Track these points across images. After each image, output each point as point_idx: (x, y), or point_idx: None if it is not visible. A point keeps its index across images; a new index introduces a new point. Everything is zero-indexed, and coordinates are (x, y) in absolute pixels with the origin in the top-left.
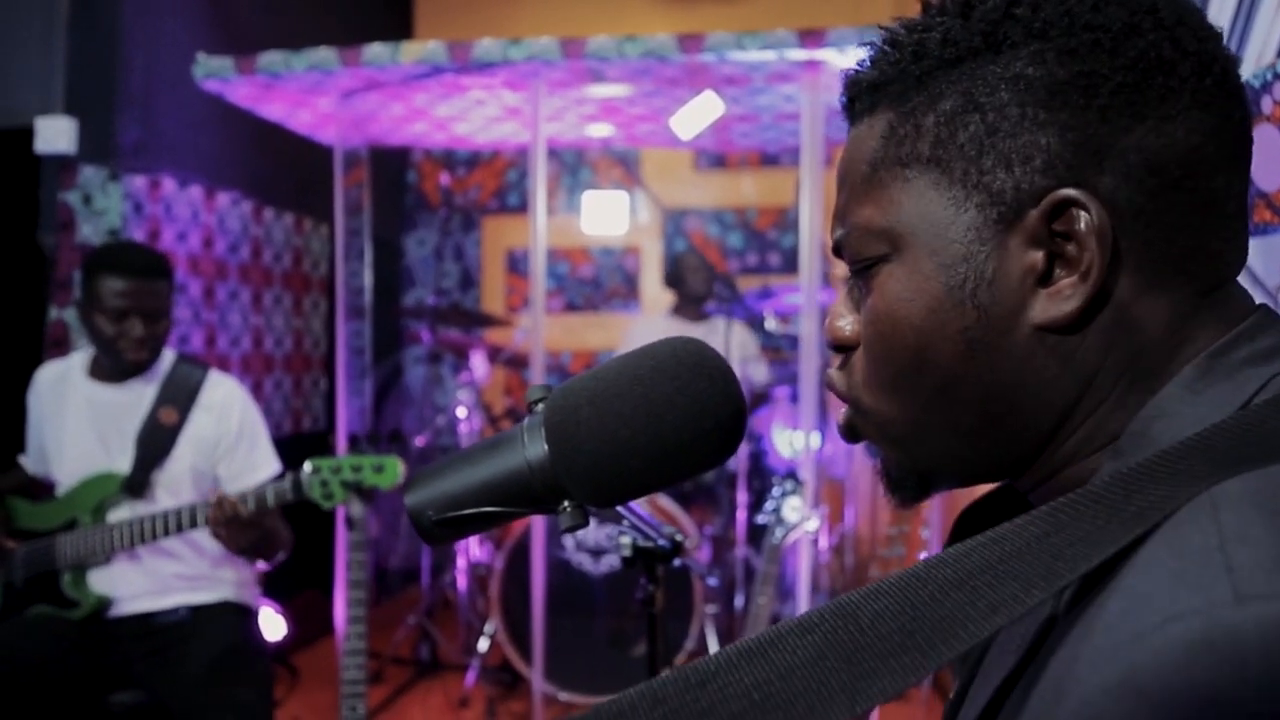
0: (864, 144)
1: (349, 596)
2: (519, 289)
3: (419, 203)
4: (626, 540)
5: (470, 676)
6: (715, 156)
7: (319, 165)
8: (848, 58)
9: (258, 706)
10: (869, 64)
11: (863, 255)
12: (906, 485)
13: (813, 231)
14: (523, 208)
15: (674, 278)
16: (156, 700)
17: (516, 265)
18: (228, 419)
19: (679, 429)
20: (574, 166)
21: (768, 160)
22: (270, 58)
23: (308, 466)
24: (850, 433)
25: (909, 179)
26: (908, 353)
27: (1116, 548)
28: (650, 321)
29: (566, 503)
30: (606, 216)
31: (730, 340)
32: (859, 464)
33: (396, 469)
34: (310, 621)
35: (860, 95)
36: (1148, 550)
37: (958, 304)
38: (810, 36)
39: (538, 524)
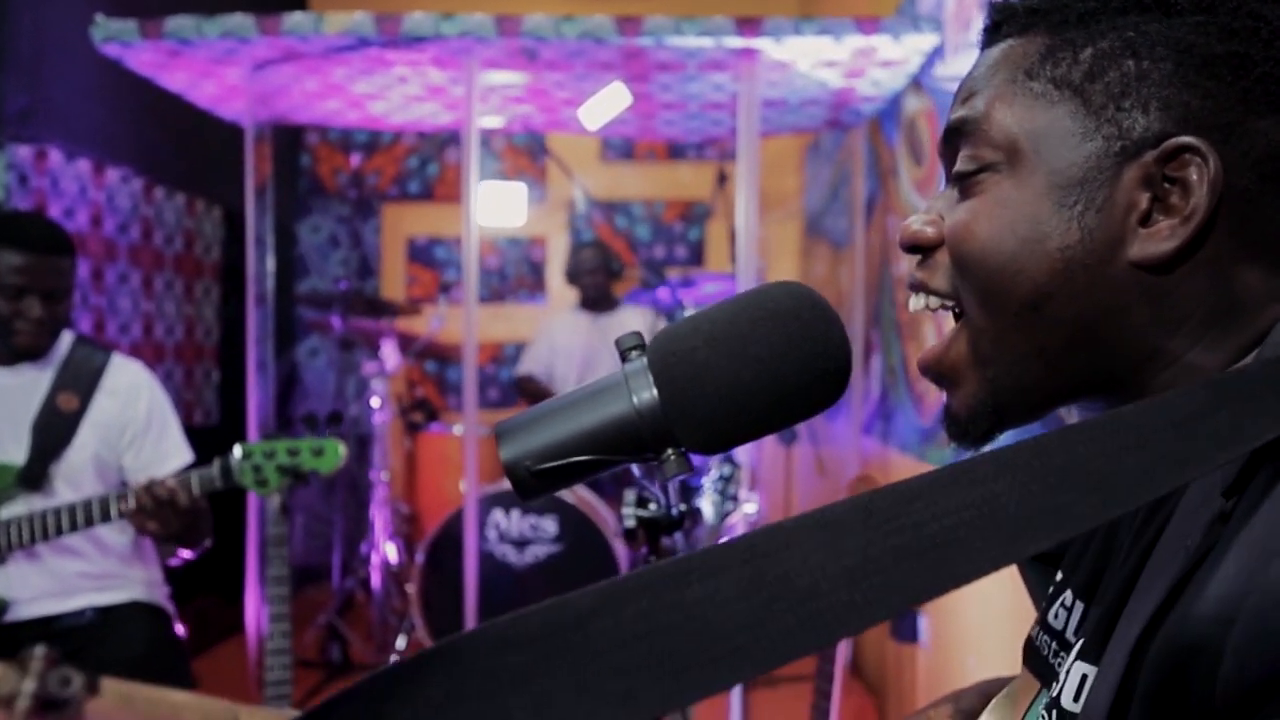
0: (1015, 56)
1: (271, 593)
2: (420, 278)
3: (313, 187)
4: (630, 510)
5: None
6: (623, 147)
7: (216, 142)
8: (784, 48)
9: None
10: None
11: (976, 158)
12: (977, 421)
13: (748, 222)
14: (425, 195)
15: (571, 278)
16: None
17: (418, 254)
18: (134, 405)
19: (801, 370)
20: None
21: (675, 153)
22: (179, 22)
23: (238, 451)
24: (935, 364)
25: (1054, 101)
26: (1002, 257)
27: None
28: (561, 316)
29: (670, 450)
30: (506, 206)
31: (646, 332)
32: (768, 453)
33: (338, 451)
34: (208, 627)
35: (1013, 17)
36: None
37: (1064, 223)
38: (748, 25)
39: (470, 517)
